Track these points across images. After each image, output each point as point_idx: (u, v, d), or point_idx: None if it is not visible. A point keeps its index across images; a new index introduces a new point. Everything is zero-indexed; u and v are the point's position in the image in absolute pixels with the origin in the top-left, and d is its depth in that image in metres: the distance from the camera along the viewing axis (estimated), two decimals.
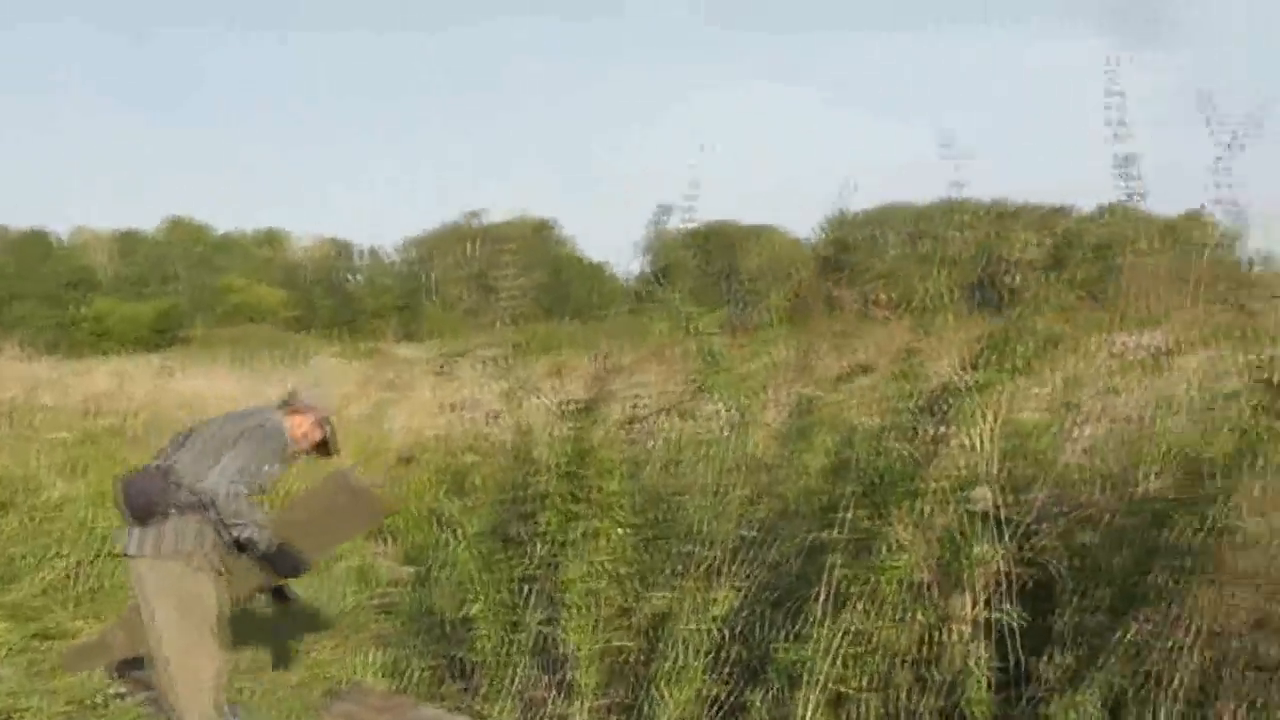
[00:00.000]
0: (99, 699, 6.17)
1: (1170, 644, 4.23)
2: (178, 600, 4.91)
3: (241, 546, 5.01)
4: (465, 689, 5.84)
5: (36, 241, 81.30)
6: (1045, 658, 4.49)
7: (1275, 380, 4.24)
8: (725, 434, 5.52)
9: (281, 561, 5.20)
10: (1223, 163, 4.63)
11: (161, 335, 62.76)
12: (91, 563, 8.17)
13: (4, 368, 14.48)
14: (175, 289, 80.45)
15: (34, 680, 6.46)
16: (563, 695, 5.39)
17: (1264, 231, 5.06)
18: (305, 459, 5.71)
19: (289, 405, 5.34)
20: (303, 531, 5.52)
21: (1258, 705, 4.09)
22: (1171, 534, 4.32)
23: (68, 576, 8.03)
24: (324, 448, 5.49)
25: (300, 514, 5.93)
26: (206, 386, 17.25)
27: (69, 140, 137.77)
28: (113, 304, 73.29)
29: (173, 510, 4.89)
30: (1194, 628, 4.19)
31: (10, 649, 7.01)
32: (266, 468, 5.07)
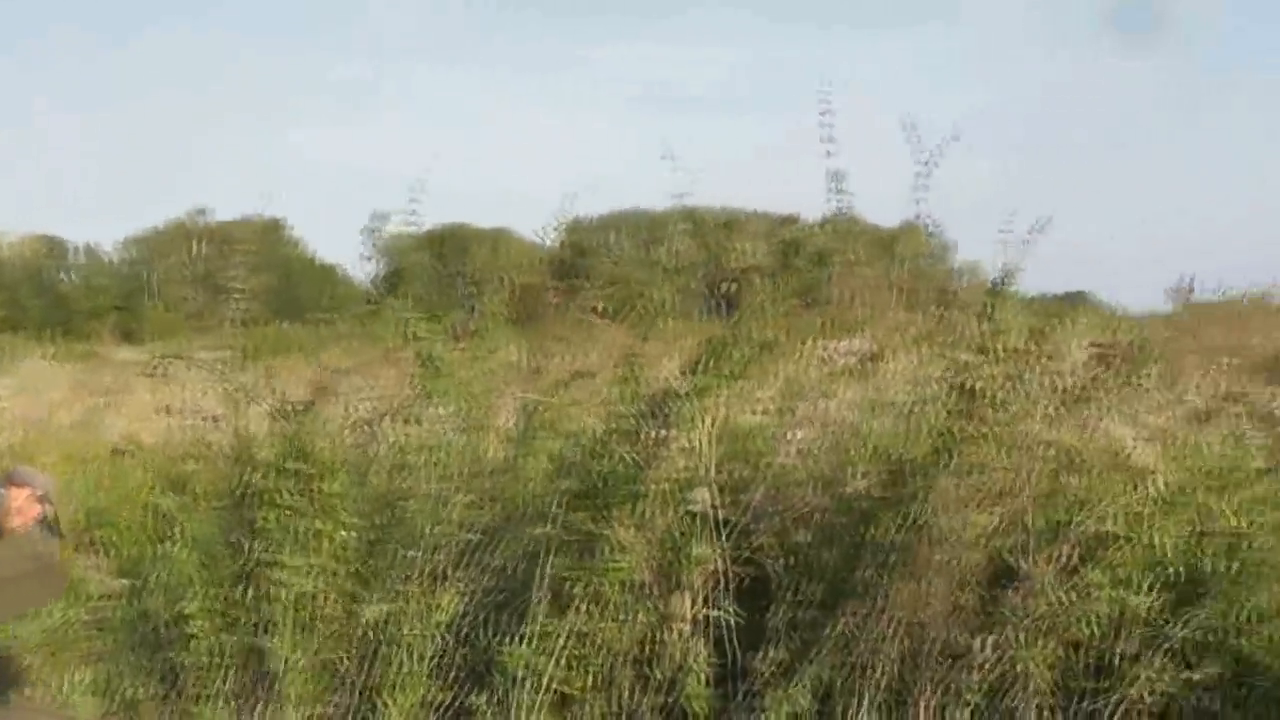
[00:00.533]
0: None
1: (874, 635, 4.45)
2: None
3: None
4: (176, 694, 5.61)
5: None
6: (761, 653, 4.63)
7: (967, 385, 4.51)
8: (450, 439, 5.48)
9: None
10: (921, 180, 4.90)
11: None
12: None
13: None
14: None
15: None
16: (276, 701, 5.25)
17: (971, 246, 5.35)
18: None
19: (7, 478, 5.08)
20: None
21: (950, 690, 4.35)
22: (876, 531, 4.53)
23: None
24: (50, 528, 5.21)
25: None
26: None
27: None
28: None
29: None
30: (895, 619, 4.42)
31: None
32: None
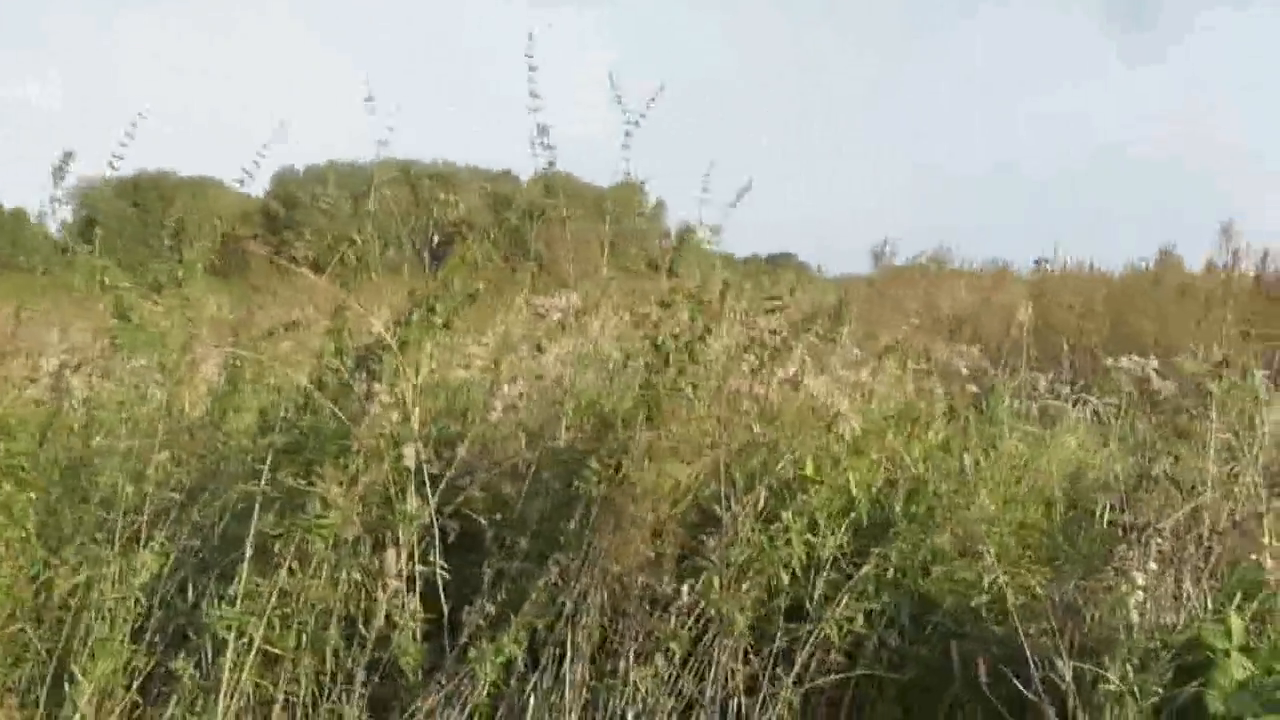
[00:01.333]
0: None
1: (581, 586, 4.57)
2: None
3: None
4: None
5: None
6: (471, 606, 4.68)
7: (659, 343, 4.68)
8: (147, 393, 5.28)
9: None
10: (628, 138, 5.02)
11: None
12: None
13: None
14: None
15: None
16: None
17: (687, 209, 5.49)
18: None
19: None
20: None
21: (653, 636, 4.52)
22: (582, 484, 4.63)
23: None
24: None
25: None
26: None
27: None
28: None
29: None
30: (600, 570, 4.55)
31: None
32: None
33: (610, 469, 4.58)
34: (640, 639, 4.54)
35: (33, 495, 5.00)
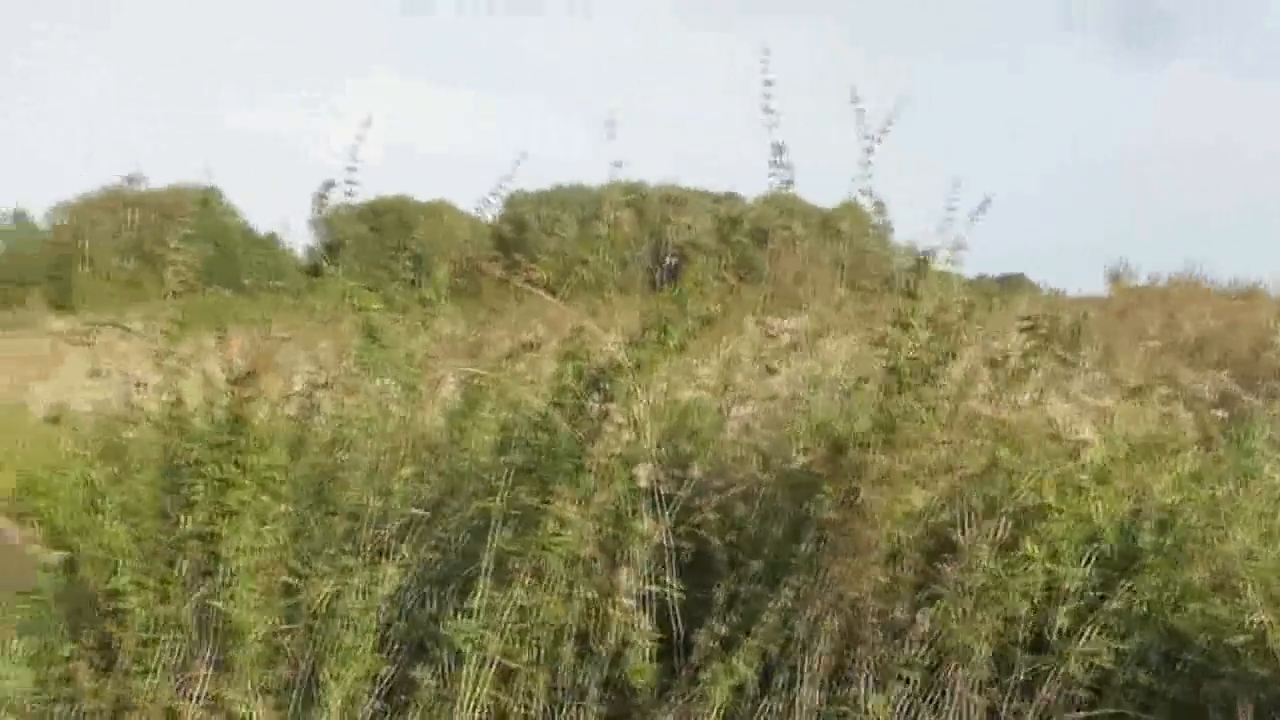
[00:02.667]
0: None
1: (814, 610, 4.51)
2: None
3: None
4: (112, 668, 5.55)
5: None
6: (703, 627, 4.68)
7: (899, 362, 4.58)
8: (391, 411, 5.47)
9: None
10: (867, 156, 4.94)
11: None
12: None
13: None
14: None
15: None
16: (220, 673, 5.23)
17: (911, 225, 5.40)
18: None
19: None
20: None
21: (888, 664, 4.43)
22: (816, 507, 4.58)
23: None
24: None
25: None
26: None
27: None
28: None
29: None
30: (834, 594, 4.48)
31: None
32: None
33: (844, 492, 4.51)
34: (875, 666, 4.46)
35: (285, 507, 5.23)
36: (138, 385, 6.13)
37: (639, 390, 4.70)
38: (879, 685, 4.45)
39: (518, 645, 4.68)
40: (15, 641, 6.40)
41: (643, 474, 4.58)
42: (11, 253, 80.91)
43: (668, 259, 5.38)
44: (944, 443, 4.67)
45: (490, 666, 4.63)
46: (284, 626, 5.15)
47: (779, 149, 5.02)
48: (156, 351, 5.66)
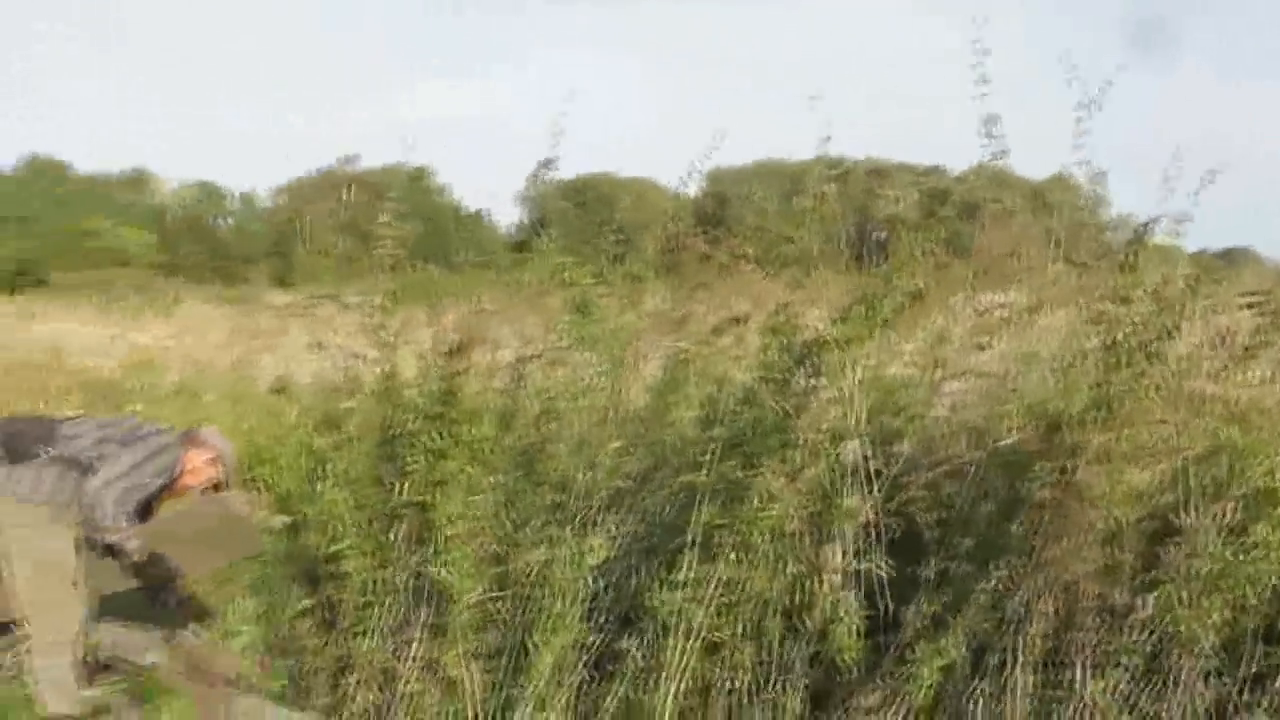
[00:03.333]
0: None
1: (1028, 592, 4.39)
2: (34, 555, 4.79)
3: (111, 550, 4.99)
4: (333, 628, 5.79)
5: None
6: (912, 606, 4.61)
7: (1117, 340, 4.40)
8: (598, 385, 5.53)
9: (151, 571, 5.20)
10: (1081, 124, 4.76)
11: (20, 278, 60.79)
12: None
13: None
14: (34, 230, 77.70)
15: None
16: (434, 637, 5.40)
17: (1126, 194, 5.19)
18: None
19: (189, 437, 5.31)
20: (176, 547, 5.46)
21: (1107, 649, 4.28)
22: (1030, 486, 4.45)
23: None
24: (216, 488, 5.50)
25: (176, 528, 5.67)
26: (69, 330, 16.75)
27: None
28: None
29: (44, 456, 4.80)
30: (1049, 576, 4.35)
31: None
32: (149, 480, 5.01)
33: (1060, 472, 4.37)
34: (1093, 651, 4.31)
35: (495, 478, 5.35)
36: (355, 357, 6.36)
37: (847, 366, 4.65)
38: (1097, 670, 4.31)
39: (723, 619, 4.70)
40: (246, 600, 6.71)
41: (850, 450, 4.54)
42: (239, 231, 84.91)
43: (874, 234, 5.29)
44: (1166, 422, 4.48)
45: (696, 639, 4.66)
46: (494, 593, 5.28)
47: (991, 120, 4.88)
48: (372, 325, 5.84)
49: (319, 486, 6.48)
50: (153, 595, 5.49)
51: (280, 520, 8.05)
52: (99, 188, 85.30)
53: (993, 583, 4.44)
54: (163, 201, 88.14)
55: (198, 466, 5.26)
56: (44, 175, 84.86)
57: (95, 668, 5.02)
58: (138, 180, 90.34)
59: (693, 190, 6.06)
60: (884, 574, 4.54)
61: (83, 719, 4.89)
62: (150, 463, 4.94)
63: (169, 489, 5.28)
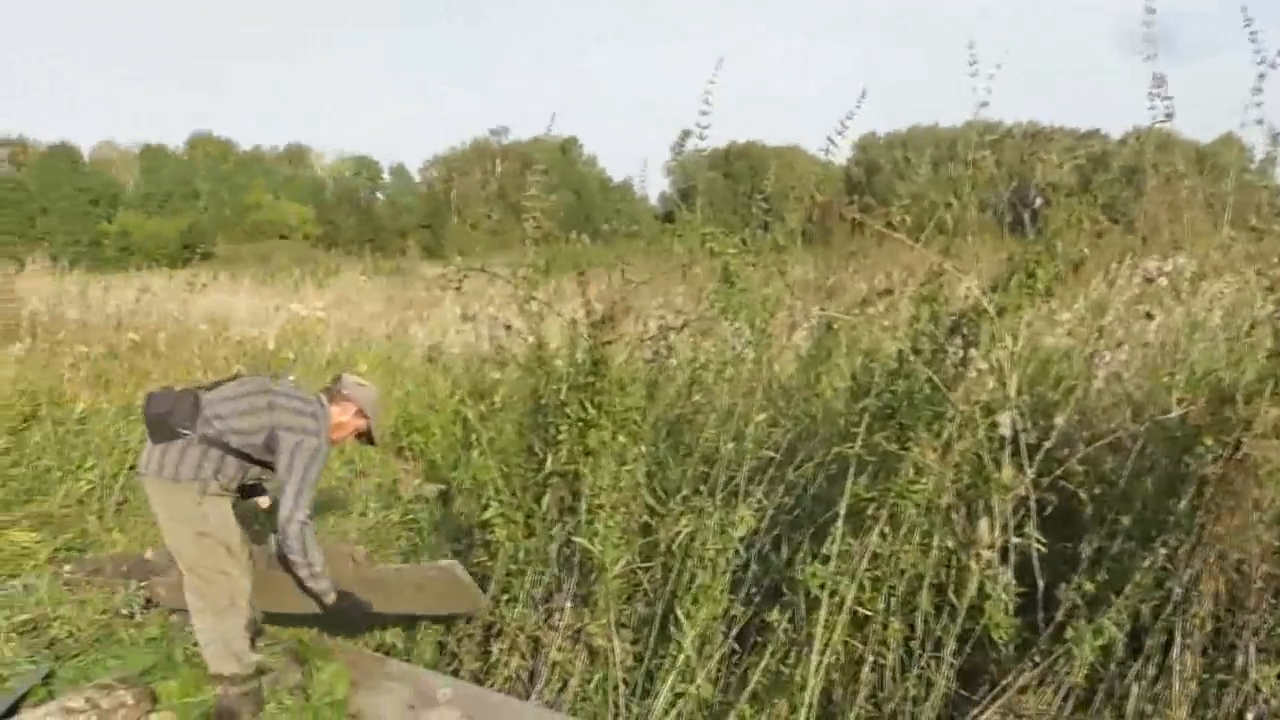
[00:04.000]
0: (127, 610, 6.25)
1: (1191, 571, 4.23)
2: (193, 524, 4.91)
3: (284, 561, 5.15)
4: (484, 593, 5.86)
5: (62, 156, 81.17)
6: (1068, 583, 4.48)
7: None
8: (745, 355, 5.48)
9: (328, 609, 5.35)
10: (1259, 84, 4.53)
11: (186, 251, 63.11)
12: (115, 476, 8.23)
13: (28, 281, 14.49)
14: (198, 205, 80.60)
15: (65, 590, 6.54)
16: (581, 606, 5.44)
17: None
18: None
19: (332, 392, 5.38)
20: (384, 594, 5.61)
21: (1275, 631, 4.10)
22: (1194, 462, 4.28)
23: (94, 489, 8.08)
24: (365, 437, 5.55)
25: (392, 578, 5.80)
26: (232, 301, 17.30)
27: (94, 51, 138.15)
28: (137, 219, 73.61)
29: (190, 434, 4.88)
30: (1214, 555, 4.18)
31: (39, 559, 7.10)
32: (316, 471, 5.08)
33: (1229, 446, 4.18)
34: (1262, 634, 4.13)
35: (642, 448, 5.35)
36: (504, 328, 6.41)
37: (1003, 336, 4.51)
38: (1265, 655, 4.13)
39: (872, 593, 4.63)
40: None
41: (1005, 422, 4.40)
42: (391, 204, 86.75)
43: (1031, 199, 5.12)
44: None
45: (844, 613, 4.60)
46: (641, 564, 5.29)
47: (1159, 80, 4.67)
48: (520, 296, 5.88)
49: (468, 455, 6.57)
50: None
51: (432, 488, 8.21)
52: (260, 163, 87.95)
53: (1155, 561, 4.29)
54: (320, 175, 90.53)
55: (342, 422, 5.35)
56: (208, 152, 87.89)
57: (256, 631, 5.14)
58: (296, 154, 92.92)
59: (843, 158, 5.93)
60: (1039, 550, 4.41)
61: (246, 679, 5.02)
62: (312, 468, 5.01)
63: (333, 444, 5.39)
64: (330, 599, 5.24)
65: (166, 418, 4.88)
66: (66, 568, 6.83)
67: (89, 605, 6.30)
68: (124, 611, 6.28)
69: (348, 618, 5.69)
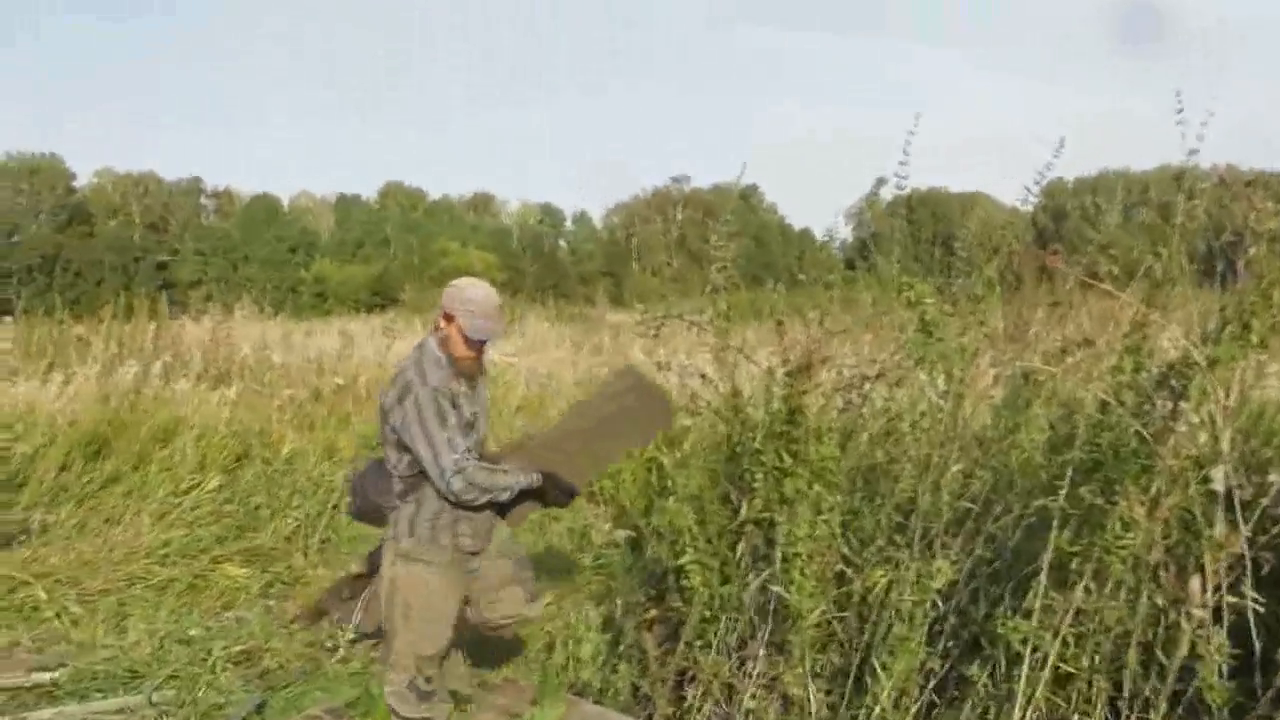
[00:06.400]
0: (333, 643, 6.50)
1: None
2: (403, 590, 4.98)
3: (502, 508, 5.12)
4: (677, 640, 5.91)
5: (264, 206, 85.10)
6: None
7: None
8: (940, 405, 5.44)
9: (548, 493, 5.16)
10: None
11: (376, 297, 65.28)
12: (320, 514, 8.56)
13: (237, 327, 15.21)
14: (389, 252, 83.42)
15: (275, 622, 6.84)
16: (775, 654, 5.44)
17: None
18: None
19: (440, 314, 5.06)
20: (582, 441, 5.48)
21: None
22: None
23: (300, 526, 8.42)
24: (471, 342, 4.97)
25: (582, 421, 5.66)
26: None
27: (289, 107, 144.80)
28: (332, 267, 76.57)
29: (395, 501, 4.97)
30: None
31: (251, 593, 7.43)
32: (460, 417, 4.84)
33: None
34: None
35: (838, 497, 5.34)
36: (697, 376, 6.49)
37: (1215, 389, 4.39)
38: None
39: (1076, 649, 4.53)
40: (588, 608, 6.97)
41: (1218, 477, 4.28)
42: (574, 251, 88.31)
43: (1247, 248, 4.97)
44: None
45: (1047, 669, 4.51)
46: (836, 613, 5.28)
47: None
48: (713, 344, 5.95)
49: (661, 501, 6.65)
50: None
51: (623, 533, 8.32)
52: (449, 211, 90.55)
53: None
54: (506, 223, 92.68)
55: (447, 337, 5.01)
56: (398, 200, 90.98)
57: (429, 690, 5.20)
58: (482, 202, 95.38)
59: (1031, 205, 5.90)
60: (1255, 611, 4.25)
61: None
62: (440, 418, 4.75)
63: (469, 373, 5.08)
64: (536, 480, 5.07)
65: (365, 500, 5.13)
66: (292, 616, 7.10)
67: (296, 638, 6.57)
68: (329, 645, 6.53)
69: (558, 494, 5.28)
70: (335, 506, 8.65)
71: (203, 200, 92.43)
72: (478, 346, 5.01)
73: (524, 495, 5.09)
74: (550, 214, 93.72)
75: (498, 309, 5.05)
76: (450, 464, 4.71)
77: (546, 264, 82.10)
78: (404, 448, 4.85)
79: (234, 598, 7.36)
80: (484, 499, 4.88)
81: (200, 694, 5.83)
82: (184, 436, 9.07)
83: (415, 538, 4.95)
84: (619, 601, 6.92)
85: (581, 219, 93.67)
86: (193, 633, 6.61)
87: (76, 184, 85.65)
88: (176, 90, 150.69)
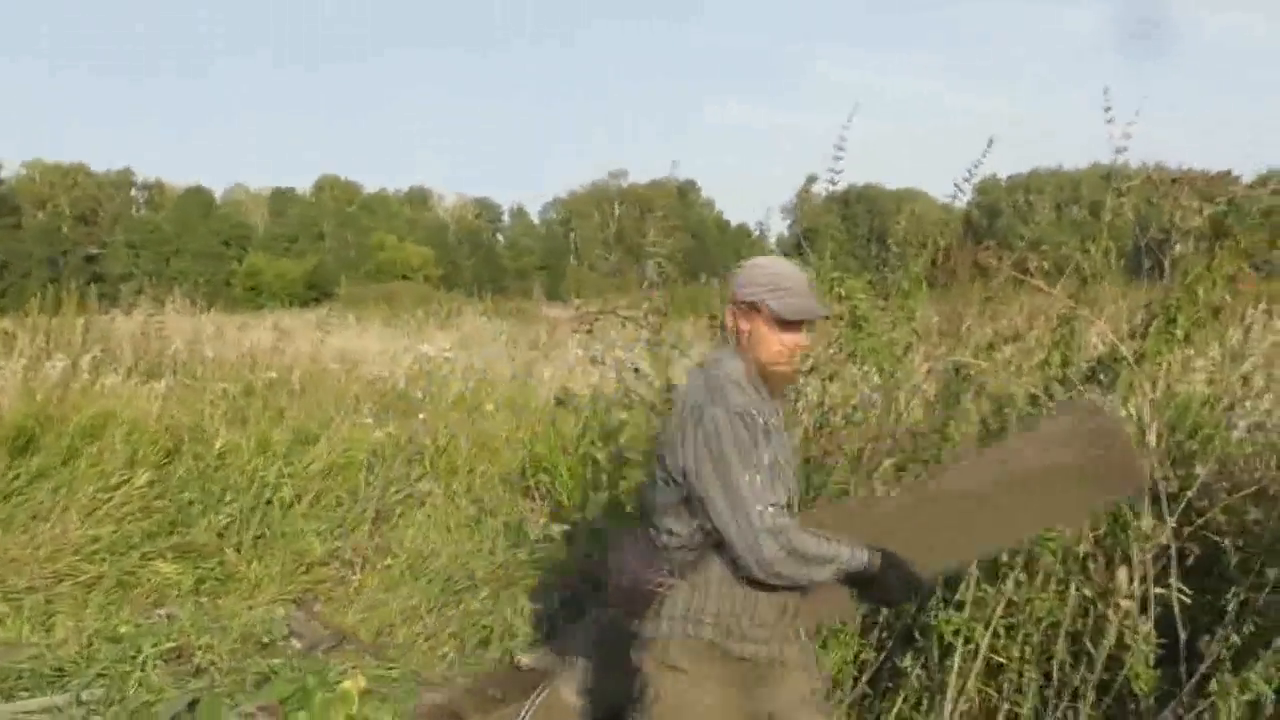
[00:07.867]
0: (266, 638, 6.44)
1: None
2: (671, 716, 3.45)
3: None
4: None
5: (197, 199, 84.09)
6: (1211, 635, 4.39)
7: None
8: (873, 399, 5.48)
9: (886, 582, 3.43)
10: None
11: (311, 291, 64.77)
12: (253, 510, 8.45)
13: (169, 321, 14.96)
14: (324, 246, 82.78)
15: (205, 618, 6.76)
16: None
17: None
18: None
19: (729, 310, 3.58)
20: (994, 502, 3.79)
21: None
22: None
23: (233, 522, 8.30)
24: (786, 325, 3.44)
25: (995, 472, 3.90)
26: (361, 342, 17.72)
27: (227, 98, 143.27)
28: (265, 260, 75.86)
29: (665, 579, 3.45)
30: None
31: (182, 590, 7.34)
32: (730, 447, 3.24)
33: None
34: None
35: None
36: (631, 370, 6.50)
37: (1141, 383, 4.47)
38: None
39: (1007, 640, 4.59)
40: (523, 601, 6.97)
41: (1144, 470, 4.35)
42: (511, 245, 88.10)
43: (1174, 245, 5.05)
44: None
45: (978, 660, 4.56)
46: None
47: None
48: (647, 339, 5.96)
49: (597, 495, 6.66)
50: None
51: (557, 528, 8.30)
52: (385, 205, 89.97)
53: None
54: (442, 217, 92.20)
55: (759, 336, 3.48)
56: (334, 194, 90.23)
57: None
58: (418, 197, 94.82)
59: (964, 202, 5.95)
60: (1181, 601, 4.33)
61: None
62: (723, 442, 3.24)
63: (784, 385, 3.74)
64: (871, 562, 3.35)
65: (627, 585, 3.56)
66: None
67: (229, 632, 6.50)
68: (264, 640, 6.47)
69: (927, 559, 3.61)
70: (269, 501, 8.54)
71: (134, 193, 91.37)
72: (791, 346, 3.48)
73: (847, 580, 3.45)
74: (487, 208, 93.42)
75: (811, 285, 3.68)
76: (760, 518, 3.18)
77: (484, 258, 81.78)
78: (689, 506, 3.38)
79: (165, 594, 7.26)
80: (803, 577, 3.30)
81: (130, 692, 5.75)
82: (114, 431, 8.88)
83: (695, 636, 3.42)
84: (554, 596, 6.92)
85: (519, 213, 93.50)
86: (122, 630, 6.51)
87: (3, 175, 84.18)
88: (107, 79, 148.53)
